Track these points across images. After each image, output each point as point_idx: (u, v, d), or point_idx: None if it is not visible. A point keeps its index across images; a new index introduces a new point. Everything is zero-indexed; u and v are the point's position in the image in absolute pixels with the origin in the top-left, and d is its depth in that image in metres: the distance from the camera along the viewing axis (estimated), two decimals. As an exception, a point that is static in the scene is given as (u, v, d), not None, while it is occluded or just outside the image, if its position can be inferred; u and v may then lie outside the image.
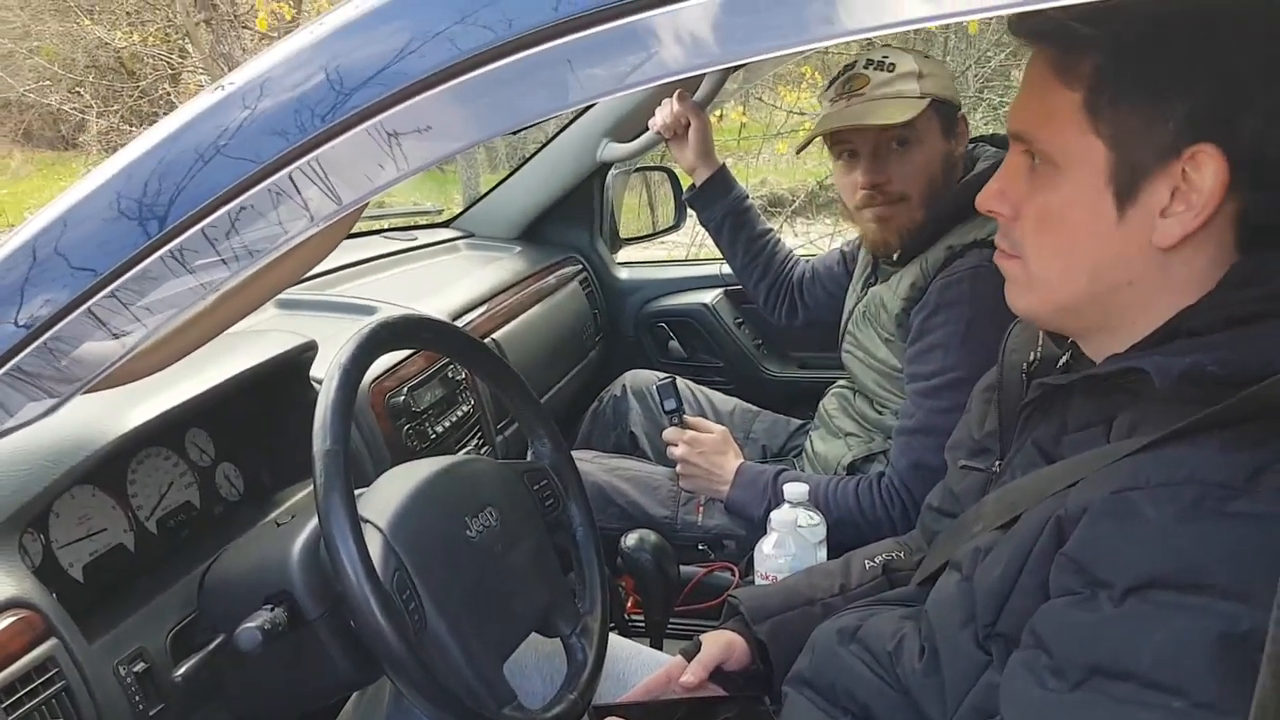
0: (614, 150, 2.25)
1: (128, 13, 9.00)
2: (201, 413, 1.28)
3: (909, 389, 1.61)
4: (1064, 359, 0.97)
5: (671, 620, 1.63)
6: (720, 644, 1.18)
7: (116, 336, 0.73)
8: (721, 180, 2.01)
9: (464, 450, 1.69)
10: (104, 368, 0.74)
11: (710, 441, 1.83)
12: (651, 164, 2.80)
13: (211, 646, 1.03)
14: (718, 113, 8.74)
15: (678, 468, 1.85)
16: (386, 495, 1.08)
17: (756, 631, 1.18)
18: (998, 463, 1.03)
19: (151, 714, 1.02)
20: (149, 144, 0.71)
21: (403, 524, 1.04)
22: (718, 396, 2.19)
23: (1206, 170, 0.76)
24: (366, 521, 1.02)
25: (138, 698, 1.01)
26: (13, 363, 0.74)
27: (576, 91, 0.64)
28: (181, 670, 1.00)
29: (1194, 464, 0.72)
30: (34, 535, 1.07)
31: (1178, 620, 0.69)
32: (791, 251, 2.14)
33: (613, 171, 2.50)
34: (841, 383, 1.93)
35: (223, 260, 0.70)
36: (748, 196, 2.06)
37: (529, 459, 1.29)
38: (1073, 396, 0.91)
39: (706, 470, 1.81)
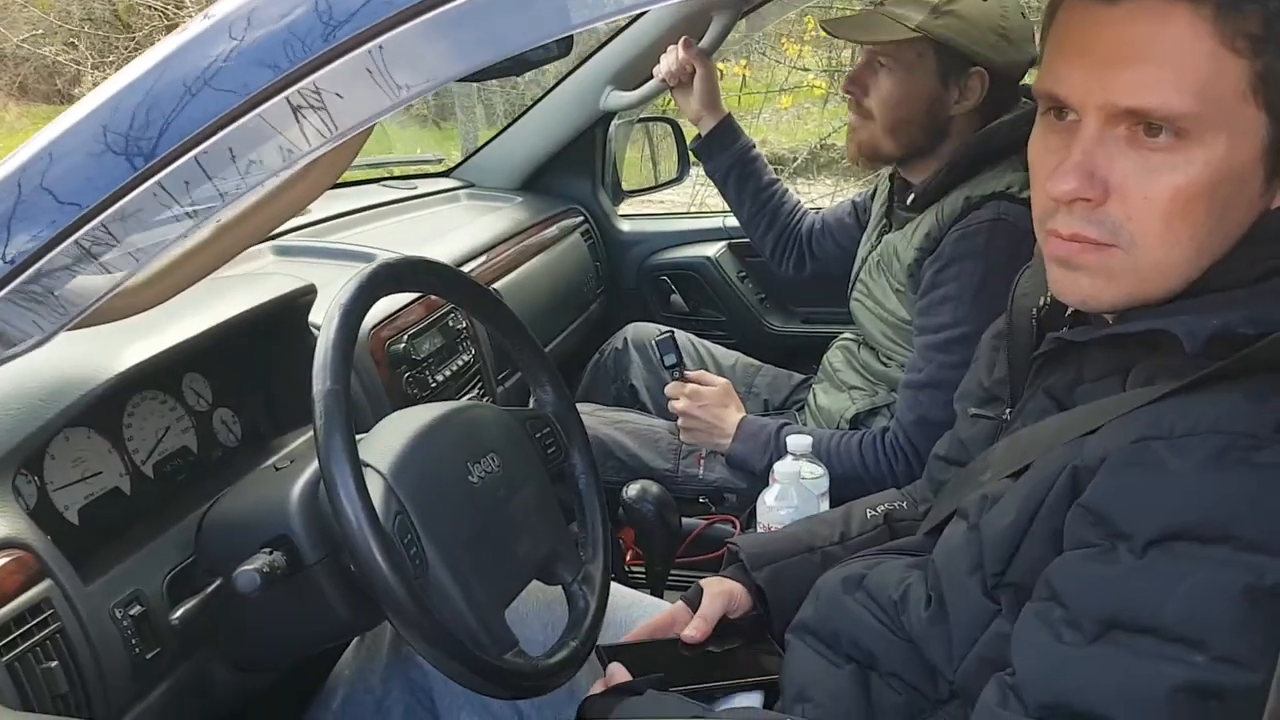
0: (617, 99, 2.21)
1: (123, -38, 8.90)
2: (199, 356, 1.26)
3: (917, 342, 1.58)
4: None
5: (672, 572, 1.63)
6: (721, 594, 1.17)
7: (106, 270, 0.71)
8: (728, 129, 1.98)
9: (465, 399, 1.67)
10: (93, 301, 0.72)
11: (712, 395, 1.81)
12: (654, 115, 2.76)
13: (209, 590, 1.02)
14: (719, 66, 8.66)
15: (679, 421, 1.84)
16: (388, 439, 1.06)
17: (755, 577, 1.17)
18: (1008, 411, 1.01)
19: (148, 657, 1.01)
20: (134, 75, 0.69)
21: (404, 468, 1.02)
22: (719, 350, 2.17)
23: None
24: (367, 465, 1.01)
25: (134, 641, 1.00)
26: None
27: (578, 14, 0.62)
28: (178, 613, 0.99)
29: (1218, 413, 0.70)
30: (29, 477, 1.05)
31: (1201, 573, 0.68)
32: (799, 203, 2.11)
33: (615, 121, 2.46)
34: (846, 335, 1.91)
35: (218, 192, 0.68)
36: (754, 146, 2.03)
37: (531, 407, 1.27)
38: (1089, 348, 0.88)
39: (708, 424, 1.79)
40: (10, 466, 0.97)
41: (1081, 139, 0.77)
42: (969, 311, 1.49)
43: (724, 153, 2.00)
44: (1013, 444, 0.94)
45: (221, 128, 0.66)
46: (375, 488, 0.98)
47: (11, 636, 0.88)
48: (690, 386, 1.83)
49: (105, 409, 1.15)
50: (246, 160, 0.68)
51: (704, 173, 2.09)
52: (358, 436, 1.03)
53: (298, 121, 0.66)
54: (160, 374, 1.22)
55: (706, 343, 2.18)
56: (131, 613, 1.01)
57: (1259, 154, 0.74)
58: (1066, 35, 0.79)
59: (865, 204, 1.96)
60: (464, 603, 1.00)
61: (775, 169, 2.09)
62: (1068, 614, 0.74)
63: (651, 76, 2.04)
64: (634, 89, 2.17)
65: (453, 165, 2.55)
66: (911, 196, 1.63)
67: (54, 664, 0.90)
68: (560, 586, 1.17)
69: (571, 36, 1.28)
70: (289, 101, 0.65)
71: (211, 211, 0.69)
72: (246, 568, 0.97)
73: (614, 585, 1.31)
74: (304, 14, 0.64)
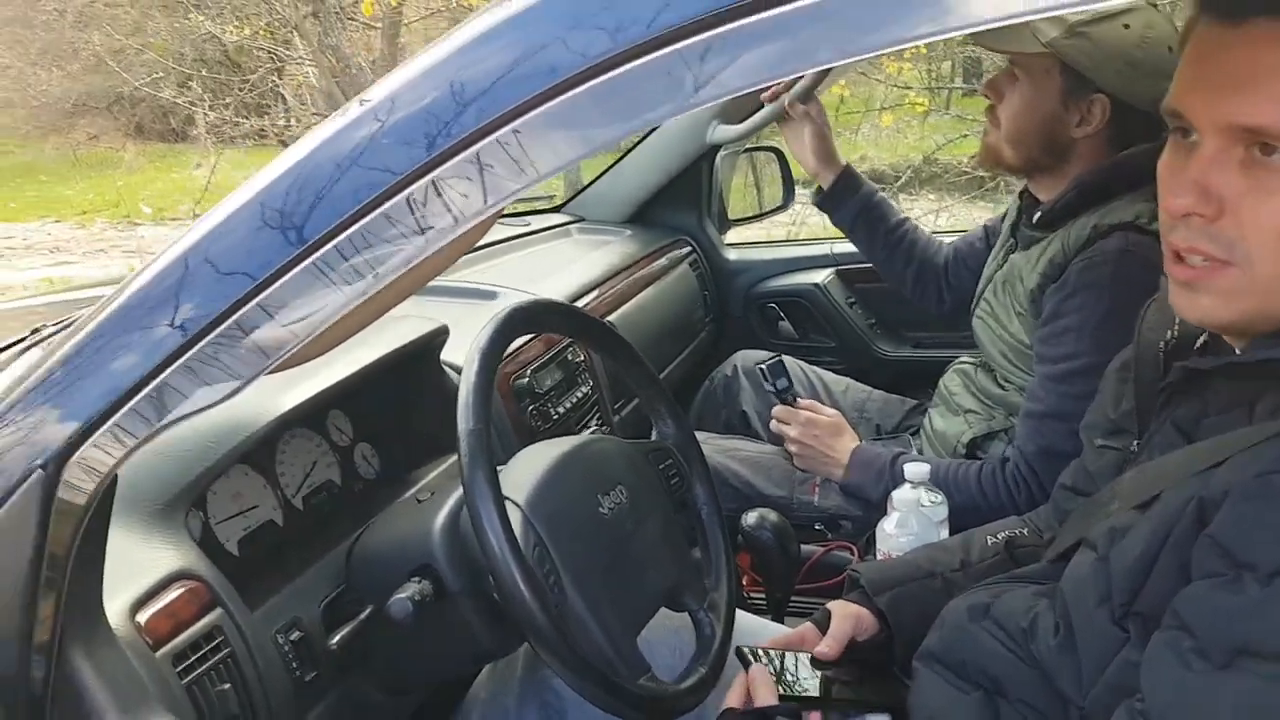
0: (724, 132, 2.25)
1: (234, 7, 9.29)
2: (342, 395, 1.34)
3: (1038, 371, 1.58)
4: (1203, 338, 0.96)
5: (792, 599, 1.65)
6: (849, 616, 1.19)
7: (269, 342, 0.76)
8: (848, 181, 2.00)
9: (585, 430, 1.72)
10: (258, 370, 0.78)
11: (825, 423, 1.84)
12: (758, 144, 2.80)
13: (363, 616, 1.09)
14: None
15: (792, 448, 1.86)
16: (523, 473, 1.12)
17: (877, 602, 1.19)
18: (1135, 443, 1.02)
19: (307, 680, 1.09)
20: (292, 160, 0.75)
21: (540, 500, 1.08)
22: (829, 376, 2.19)
23: None
24: (506, 499, 1.06)
25: (294, 664, 1.07)
26: (181, 361, 0.78)
27: (706, 93, 0.65)
28: (336, 638, 1.06)
29: None
30: (195, 512, 1.14)
31: None
32: (931, 236, 2.11)
33: (721, 153, 2.51)
34: (964, 359, 1.91)
35: (361, 273, 0.73)
36: (877, 191, 2.04)
37: (653, 439, 1.31)
38: (1214, 379, 0.90)
39: (822, 453, 1.82)
40: (183, 503, 1.05)
41: (1199, 157, 0.80)
42: (1091, 343, 1.48)
43: (848, 203, 2.02)
44: (1140, 475, 0.95)
45: (372, 209, 0.72)
46: (514, 520, 1.04)
47: (189, 661, 0.95)
48: (804, 415, 1.85)
49: (261, 447, 1.23)
50: (395, 238, 0.73)
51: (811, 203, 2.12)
52: None
53: (442, 198, 0.71)
54: (308, 413, 1.30)
55: (816, 369, 2.20)
56: (291, 638, 1.08)
57: None
58: (1194, 56, 0.82)
59: (996, 227, 1.96)
60: (599, 630, 1.05)
61: (876, 186, 2.10)
62: (1196, 643, 0.75)
63: (757, 108, 2.07)
64: (740, 122, 2.21)
65: (562, 201, 2.62)
66: (1038, 215, 1.64)
67: (227, 687, 0.97)
68: (687, 614, 1.21)
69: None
70: (433, 183, 0.70)
71: (366, 286, 0.74)
72: (400, 596, 1.03)
73: (747, 615, 1.34)
74: (440, 96, 0.69)
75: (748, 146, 2.64)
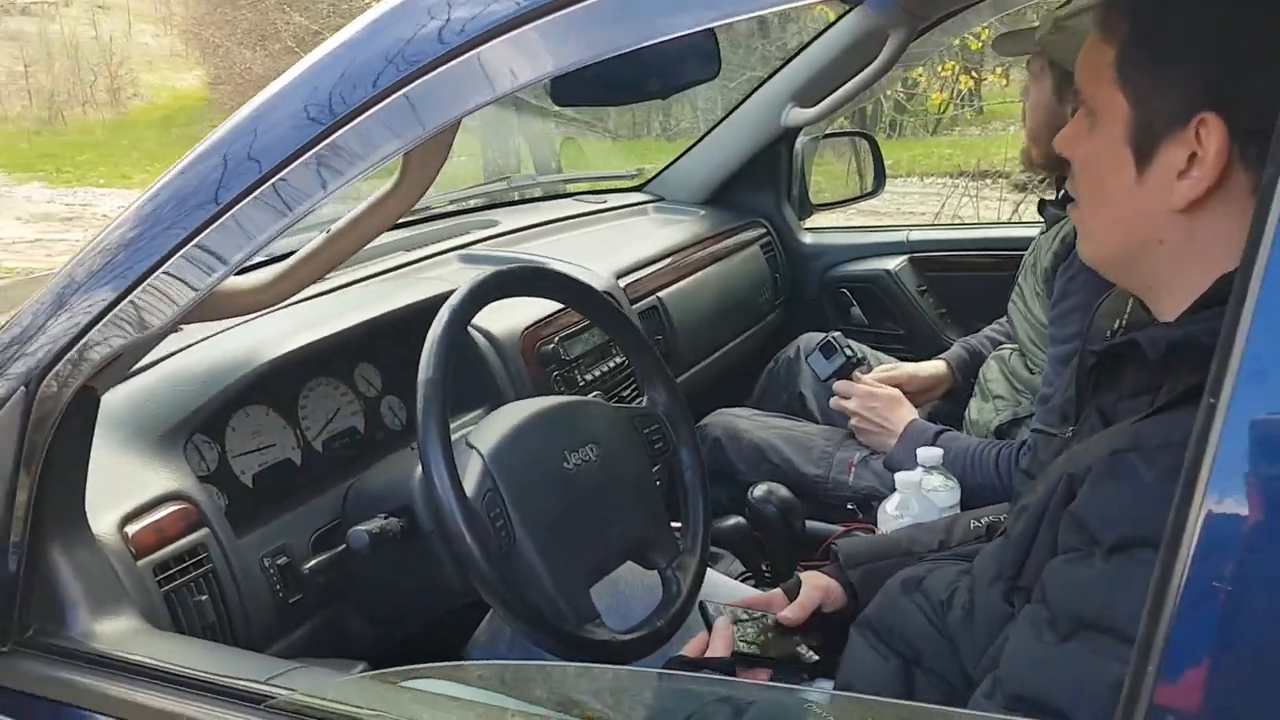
0: (798, 115, 2.26)
1: None
2: (369, 348, 1.44)
3: (1049, 354, 1.57)
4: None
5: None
6: (819, 588, 1.22)
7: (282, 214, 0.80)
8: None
9: (614, 399, 1.78)
10: (205, 290, 0.84)
11: (884, 396, 1.85)
12: (851, 130, 2.79)
13: (340, 548, 1.19)
14: (976, 74, 8.46)
15: (852, 421, 1.88)
16: (496, 425, 1.19)
17: (849, 575, 1.22)
18: (1071, 428, 1.02)
19: (291, 602, 1.19)
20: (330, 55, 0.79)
21: (502, 451, 1.14)
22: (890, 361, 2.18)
23: (1212, 138, 0.76)
24: (472, 447, 1.14)
25: (278, 586, 1.18)
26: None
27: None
28: (310, 564, 1.16)
29: (1187, 427, 0.72)
30: (211, 444, 1.25)
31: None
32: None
33: (803, 137, 2.51)
34: (1005, 346, 1.89)
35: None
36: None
37: (644, 404, 1.36)
38: (1127, 364, 0.90)
39: (878, 424, 1.83)
40: (183, 434, 1.17)
41: (1077, 113, 0.90)
42: None
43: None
44: (1065, 460, 0.95)
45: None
46: (474, 467, 1.11)
47: (169, 572, 1.07)
48: (864, 388, 1.87)
49: (283, 391, 1.35)
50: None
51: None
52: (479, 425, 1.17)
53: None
54: (335, 362, 1.41)
55: (881, 355, 2.20)
56: (278, 562, 1.19)
57: (1124, 138, 0.82)
58: None
59: None
60: (546, 575, 1.11)
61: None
62: (1050, 614, 0.78)
63: (832, 92, 2.07)
64: (814, 105, 2.21)
65: (644, 180, 2.67)
66: (1061, 193, 1.66)
67: (204, 598, 1.09)
68: (656, 571, 1.26)
69: (720, 61, 1.35)
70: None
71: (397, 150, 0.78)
72: (359, 528, 1.12)
73: (719, 576, 1.38)
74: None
75: (830, 132, 2.63)
